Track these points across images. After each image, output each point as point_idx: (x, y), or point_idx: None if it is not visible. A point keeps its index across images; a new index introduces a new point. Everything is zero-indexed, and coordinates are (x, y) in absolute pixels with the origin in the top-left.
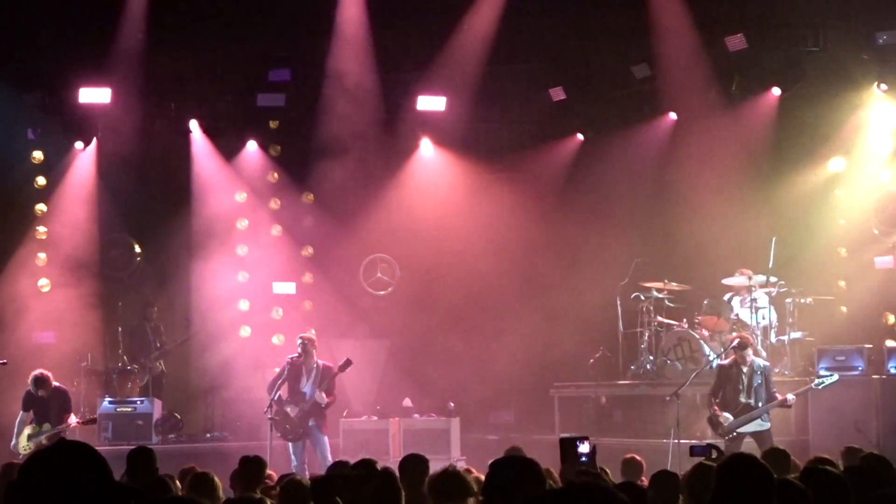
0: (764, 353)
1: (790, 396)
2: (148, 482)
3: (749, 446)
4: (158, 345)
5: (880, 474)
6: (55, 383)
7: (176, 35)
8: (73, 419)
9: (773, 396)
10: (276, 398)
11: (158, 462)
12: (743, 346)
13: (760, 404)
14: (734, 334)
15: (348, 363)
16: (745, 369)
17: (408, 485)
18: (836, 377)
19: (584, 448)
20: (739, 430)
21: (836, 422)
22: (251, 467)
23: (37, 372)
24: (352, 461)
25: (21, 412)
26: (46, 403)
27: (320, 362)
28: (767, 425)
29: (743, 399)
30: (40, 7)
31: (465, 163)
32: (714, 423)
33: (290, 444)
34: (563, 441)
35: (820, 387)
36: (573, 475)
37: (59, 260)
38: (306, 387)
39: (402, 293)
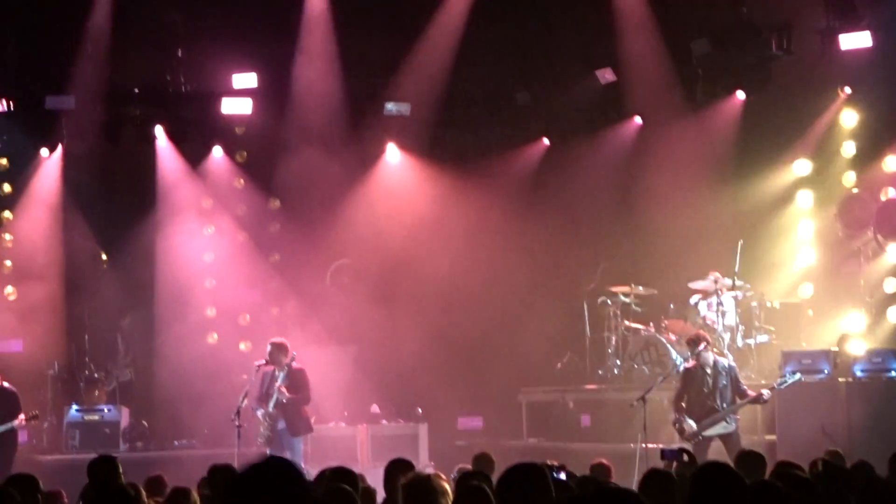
0: (730, 356)
1: (765, 392)
2: (112, 491)
3: (717, 449)
4: (127, 352)
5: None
6: (4, 384)
7: (140, 41)
8: (21, 418)
9: (744, 394)
10: (243, 405)
11: (124, 470)
12: (694, 341)
13: (726, 406)
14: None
15: (292, 358)
16: (709, 370)
17: (393, 489)
18: (798, 377)
19: (561, 478)
20: (705, 433)
21: (802, 424)
22: (220, 475)
23: None
24: (319, 468)
25: None
26: None
27: (291, 366)
28: (733, 427)
29: (708, 402)
30: (4, 14)
31: (431, 168)
32: (679, 427)
33: (268, 451)
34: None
35: (782, 387)
36: None
37: (24, 267)
38: (274, 390)
39: (368, 299)
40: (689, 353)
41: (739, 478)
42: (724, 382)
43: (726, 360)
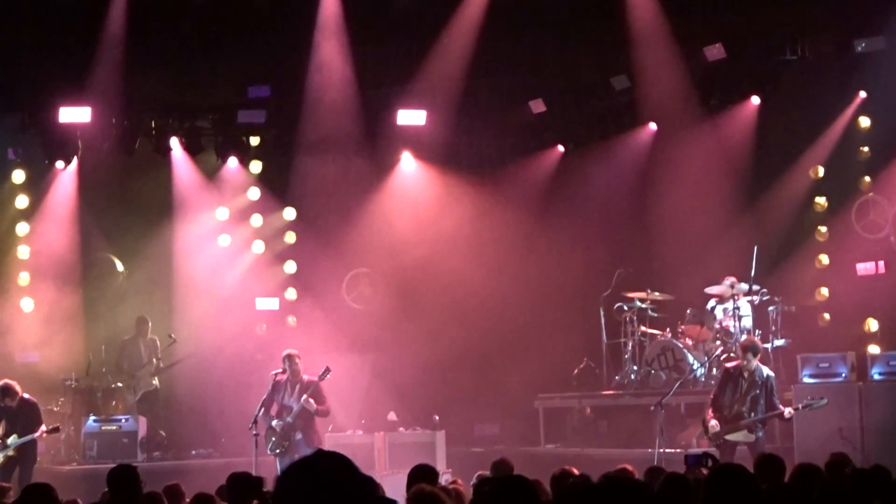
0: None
1: (788, 410)
2: (134, 500)
3: (743, 454)
4: (154, 360)
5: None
6: (24, 395)
7: (155, 53)
8: (42, 429)
9: (775, 407)
10: (260, 414)
11: (144, 480)
12: (747, 348)
13: (753, 415)
14: (743, 338)
15: (327, 371)
16: (745, 375)
17: None
18: (825, 402)
19: None
20: (728, 437)
21: (820, 429)
22: (239, 484)
23: (1, 382)
24: None
25: None
26: (14, 414)
27: (305, 377)
28: (753, 438)
29: (736, 406)
30: (19, 27)
31: (446, 176)
32: (705, 426)
33: (277, 460)
34: None
35: (808, 409)
36: None
37: (41, 280)
38: (292, 401)
39: (385, 307)
40: (706, 359)
41: (753, 479)
42: (757, 391)
43: (766, 370)
